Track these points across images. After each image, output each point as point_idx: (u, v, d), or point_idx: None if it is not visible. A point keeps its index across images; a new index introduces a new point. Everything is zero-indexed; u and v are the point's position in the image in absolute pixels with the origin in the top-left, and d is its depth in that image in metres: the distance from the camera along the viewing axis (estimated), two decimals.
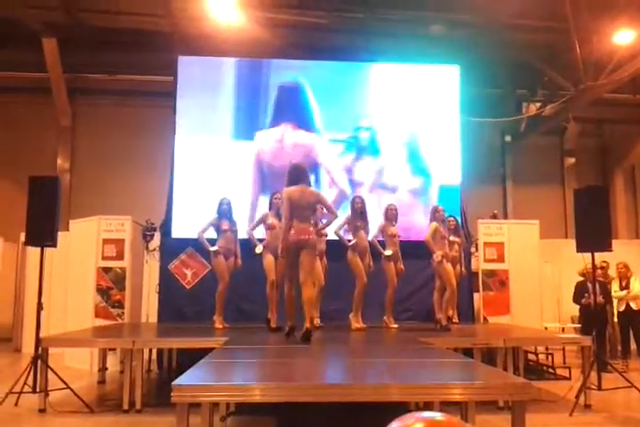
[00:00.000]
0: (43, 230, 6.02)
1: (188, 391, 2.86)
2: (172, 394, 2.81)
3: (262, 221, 6.63)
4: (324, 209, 6.01)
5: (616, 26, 9.23)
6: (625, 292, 8.09)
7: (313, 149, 8.52)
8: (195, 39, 10.10)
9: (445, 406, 4.87)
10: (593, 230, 6.05)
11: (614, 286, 8.25)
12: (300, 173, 5.43)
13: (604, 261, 8.29)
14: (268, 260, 6.41)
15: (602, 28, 9.39)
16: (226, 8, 9.42)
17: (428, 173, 8.70)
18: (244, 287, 7.22)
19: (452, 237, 7.46)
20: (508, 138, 13.10)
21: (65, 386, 5.51)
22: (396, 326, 6.95)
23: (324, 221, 6.06)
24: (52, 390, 5.43)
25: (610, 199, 8.27)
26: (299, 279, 5.28)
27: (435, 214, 6.86)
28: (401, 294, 7.44)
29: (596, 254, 6.26)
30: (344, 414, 4.49)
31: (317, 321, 6.66)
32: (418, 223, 8.04)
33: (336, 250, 6.79)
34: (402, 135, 8.74)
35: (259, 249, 6.44)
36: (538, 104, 12.44)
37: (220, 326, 6.58)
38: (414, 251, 7.37)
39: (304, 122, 8.55)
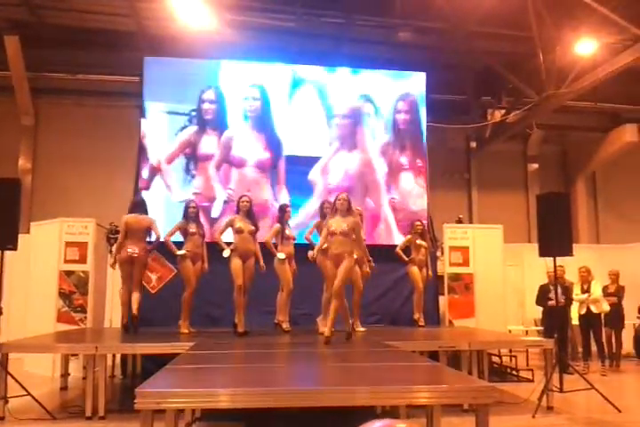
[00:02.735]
0: (3, 233, 5.86)
1: (152, 398, 2.81)
2: (135, 400, 2.77)
3: (230, 224, 6.58)
4: (153, 231, 6.63)
5: (578, 36, 9.47)
6: (586, 295, 8.28)
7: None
8: (161, 40, 10.02)
9: (411, 409, 4.91)
10: (555, 235, 6.19)
11: (576, 290, 8.44)
12: (138, 205, 6.65)
13: (560, 266, 8.48)
14: (235, 264, 6.35)
15: (564, 37, 9.63)
16: (192, 9, 9.34)
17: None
18: (211, 292, 7.15)
19: (418, 241, 7.57)
20: (473, 144, 13.32)
21: (25, 393, 5.37)
22: (362, 329, 6.97)
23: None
24: (11, 397, 5.29)
25: (571, 205, 8.49)
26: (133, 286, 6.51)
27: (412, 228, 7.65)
28: (368, 297, 7.47)
29: (558, 259, 6.39)
30: (311, 419, 4.48)
31: (286, 325, 6.64)
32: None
33: (305, 254, 6.77)
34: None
35: (226, 253, 6.39)
36: (502, 111, 12.67)
37: (186, 331, 6.50)
38: (381, 254, 7.45)
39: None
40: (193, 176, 8.35)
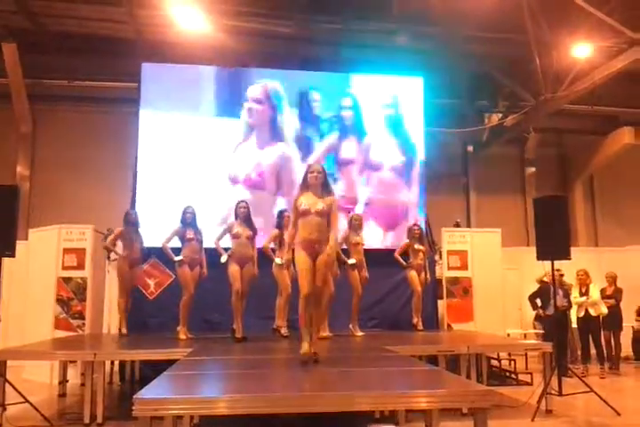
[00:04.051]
0: (1, 240, 5.85)
1: (150, 404, 2.81)
2: (133, 407, 2.76)
3: (228, 230, 6.58)
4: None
5: (574, 39, 9.52)
6: (584, 298, 8.28)
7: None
8: (159, 46, 10.05)
9: (410, 413, 4.91)
10: (553, 239, 6.18)
11: (574, 293, 8.44)
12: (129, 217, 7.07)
13: (558, 270, 8.49)
14: (233, 269, 6.35)
15: (561, 41, 9.67)
16: (190, 15, 9.37)
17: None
18: (209, 297, 7.14)
19: (416, 246, 7.58)
20: (470, 148, 13.34)
21: (23, 400, 5.35)
22: (361, 334, 6.96)
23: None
24: (9, 404, 5.27)
25: (569, 208, 8.50)
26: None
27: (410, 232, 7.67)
28: (366, 302, 7.46)
29: (556, 262, 6.39)
30: (310, 425, 4.47)
31: (285, 330, 6.63)
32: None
33: None
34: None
35: (224, 258, 6.39)
36: (499, 115, 12.71)
37: (184, 337, 6.49)
38: (379, 259, 7.46)
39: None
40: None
